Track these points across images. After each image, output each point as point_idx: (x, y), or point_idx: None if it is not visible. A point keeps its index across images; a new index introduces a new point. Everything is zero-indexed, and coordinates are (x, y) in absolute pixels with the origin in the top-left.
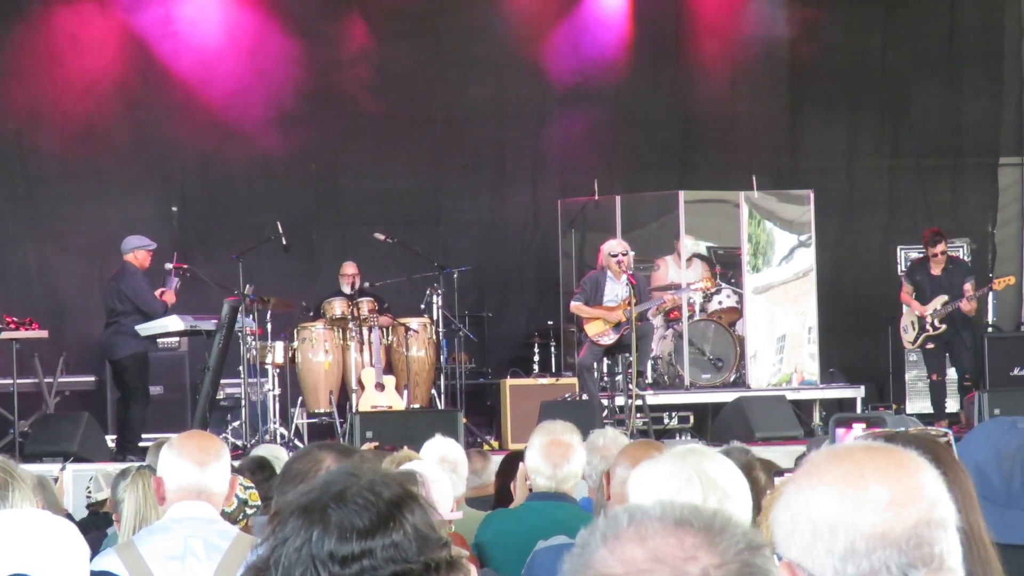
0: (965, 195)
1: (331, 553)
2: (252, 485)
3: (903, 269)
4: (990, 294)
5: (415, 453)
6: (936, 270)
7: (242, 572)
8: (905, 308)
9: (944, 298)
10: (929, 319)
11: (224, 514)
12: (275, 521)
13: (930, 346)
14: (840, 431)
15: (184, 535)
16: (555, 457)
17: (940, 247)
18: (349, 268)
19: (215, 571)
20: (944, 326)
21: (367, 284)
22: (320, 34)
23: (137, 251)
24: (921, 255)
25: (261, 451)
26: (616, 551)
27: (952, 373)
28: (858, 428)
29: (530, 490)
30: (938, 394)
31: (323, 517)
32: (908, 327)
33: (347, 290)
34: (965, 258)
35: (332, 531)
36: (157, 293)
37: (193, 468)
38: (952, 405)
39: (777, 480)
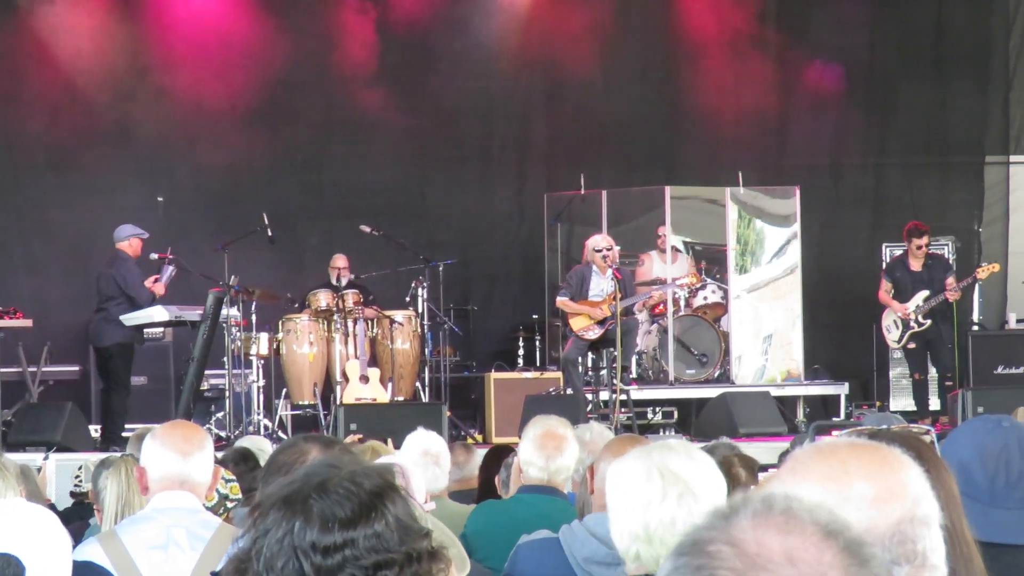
0: (951, 193)
1: (313, 543)
2: (233, 478)
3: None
4: (975, 288)
5: (383, 445)
6: (916, 266)
7: (224, 563)
8: (886, 308)
9: (925, 293)
10: (913, 316)
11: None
12: (257, 512)
13: (911, 345)
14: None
15: (167, 525)
16: (548, 449)
17: (924, 239)
18: (340, 261)
19: (197, 561)
20: (929, 321)
21: (352, 276)
22: (308, 26)
23: (132, 239)
24: (902, 251)
25: (245, 443)
26: (758, 530)
27: (933, 371)
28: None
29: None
30: (921, 393)
31: (305, 508)
32: (891, 326)
33: (342, 282)
34: (950, 256)
35: (314, 521)
36: (149, 281)
37: (176, 458)
38: (934, 403)
39: (761, 476)
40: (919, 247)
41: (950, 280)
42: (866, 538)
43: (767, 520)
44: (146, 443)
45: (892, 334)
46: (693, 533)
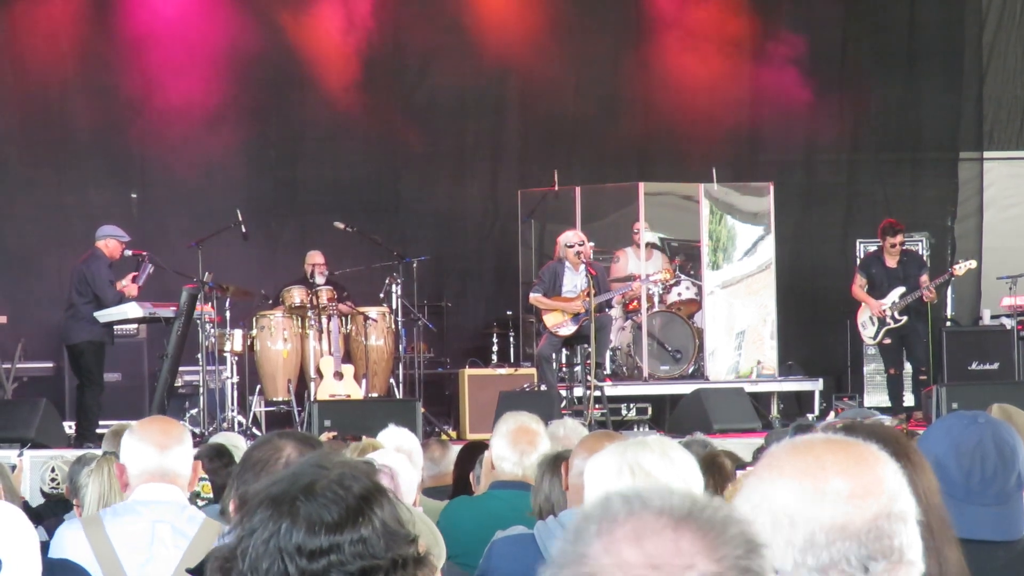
0: (924, 189)
1: (299, 546)
2: (205, 476)
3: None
4: (949, 285)
5: (379, 443)
6: (891, 262)
7: (209, 559)
8: (861, 304)
9: (901, 289)
10: (888, 312)
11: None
12: (243, 511)
13: (887, 341)
14: None
15: (152, 520)
16: (522, 444)
17: (899, 237)
18: (317, 257)
19: (181, 558)
20: (904, 318)
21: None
22: (279, 22)
23: (108, 240)
24: (876, 248)
25: (219, 439)
26: (611, 550)
27: (908, 367)
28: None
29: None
30: (895, 388)
31: (292, 510)
32: (867, 323)
33: (319, 280)
34: (924, 252)
35: (300, 524)
36: (127, 280)
37: (154, 452)
38: (907, 399)
39: (739, 473)
40: (893, 244)
41: (924, 278)
42: (715, 501)
43: (615, 533)
44: (125, 439)
45: (868, 331)
46: (552, 572)
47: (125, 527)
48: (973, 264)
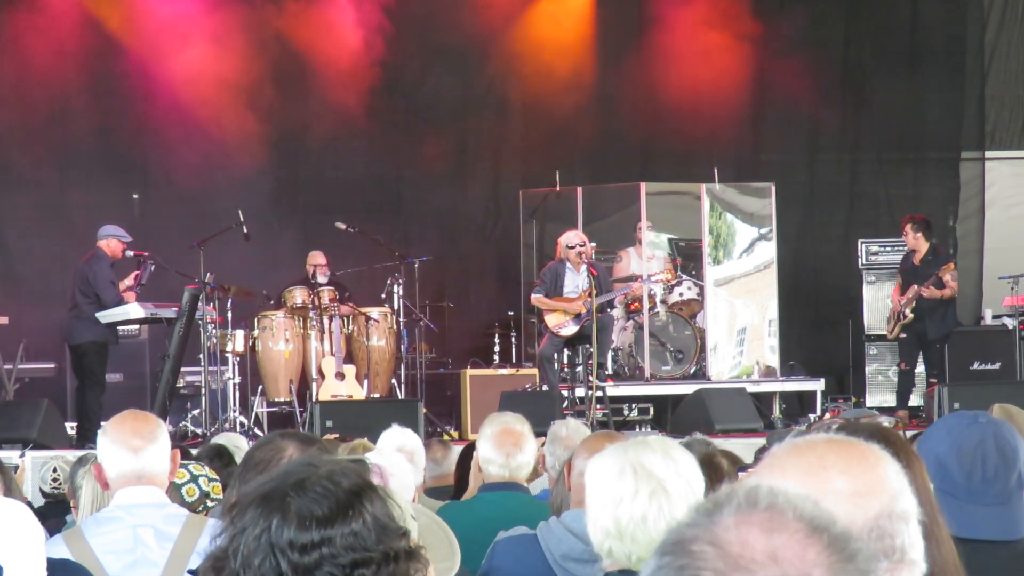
0: (926, 189)
1: (290, 541)
2: (216, 478)
3: (864, 263)
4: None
5: (370, 443)
6: (916, 259)
7: (202, 562)
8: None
9: (916, 287)
10: (901, 308)
11: (185, 506)
12: (235, 510)
13: (903, 335)
14: None
15: (134, 525)
16: (507, 446)
17: (905, 228)
18: (319, 258)
19: (168, 560)
20: (913, 315)
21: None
22: (283, 23)
23: (111, 239)
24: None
25: (221, 440)
26: (741, 528)
27: (920, 366)
28: None
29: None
30: (904, 384)
31: (282, 506)
32: (890, 318)
33: (321, 280)
34: None
35: (291, 519)
36: (129, 280)
37: (129, 455)
38: (916, 399)
39: (741, 475)
40: (905, 235)
41: (941, 272)
42: (852, 532)
43: (751, 517)
44: (99, 440)
45: (889, 325)
46: (676, 531)
47: (107, 536)
48: (951, 267)
